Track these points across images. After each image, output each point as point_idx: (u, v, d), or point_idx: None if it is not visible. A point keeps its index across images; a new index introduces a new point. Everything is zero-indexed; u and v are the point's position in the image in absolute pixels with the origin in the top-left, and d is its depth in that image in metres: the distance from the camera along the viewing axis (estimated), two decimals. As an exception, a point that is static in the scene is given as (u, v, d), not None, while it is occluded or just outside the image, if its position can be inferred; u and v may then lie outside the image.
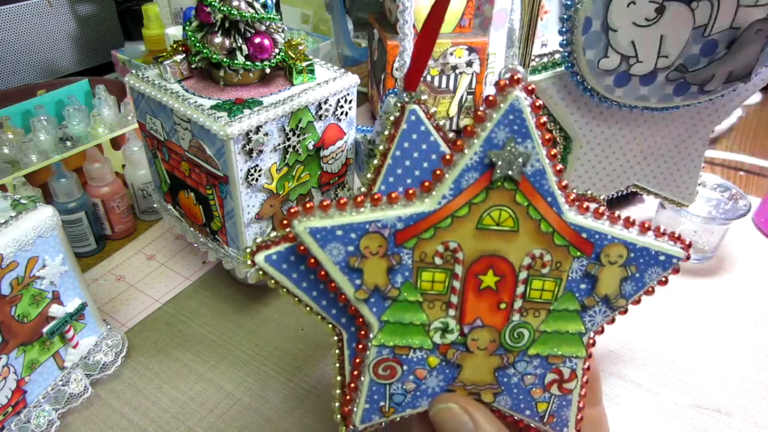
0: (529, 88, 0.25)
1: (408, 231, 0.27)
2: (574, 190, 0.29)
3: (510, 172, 0.26)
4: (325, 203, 0.26)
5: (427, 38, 0.28)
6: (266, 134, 0.44)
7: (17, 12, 0.92)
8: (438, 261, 0.27)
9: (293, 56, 0.47)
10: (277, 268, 0.27)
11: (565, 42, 0.36)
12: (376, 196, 0.26)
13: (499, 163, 0.25)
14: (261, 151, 0.44)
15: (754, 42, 0.37)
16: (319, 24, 1.06)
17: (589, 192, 0.38)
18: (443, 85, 0.76)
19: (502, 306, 0.29)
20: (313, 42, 0.99)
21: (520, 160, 0.26)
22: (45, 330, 0.42)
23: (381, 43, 0.76)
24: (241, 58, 0.45)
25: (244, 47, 0.45)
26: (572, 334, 0.30)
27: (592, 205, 0.28)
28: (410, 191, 0.27)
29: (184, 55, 0.47)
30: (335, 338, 0.31)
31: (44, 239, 0.40)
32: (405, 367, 0.30)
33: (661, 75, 0.38)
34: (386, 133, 0.32)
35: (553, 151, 0.26)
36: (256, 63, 0.45)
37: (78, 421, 0.45)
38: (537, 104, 0.25)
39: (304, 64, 0.47)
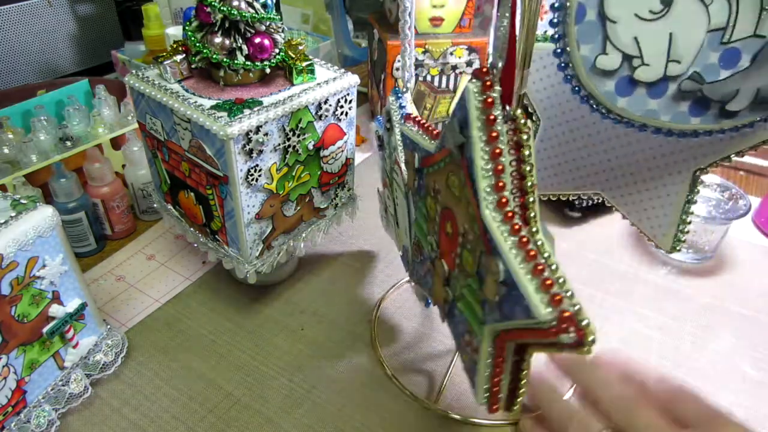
0: (488, 84, 0.26)
1: (426, 160, 0.34)
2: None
3: (448, 147, 0.29)
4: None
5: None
6: (266, 134, 0.44)
7: (17, 12, 0.92)
8: (432, 192, 0.33)
9: (293, 56, 0.47)
10: None
11: (557, 35, 0.32)
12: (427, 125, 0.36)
13: (445, 134, 0.29)
14: (261, 151, 0.44)
15: None
16: (319, 24, 1.06)
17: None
18: (443, 84, 0.76)
19: (453, 254, 0.34)
20: (313, 42, 0.99)
21: (455, 141, 0.28)
22: (45, 330, 0.42)
23: (381, 43, 0.76)
24: (241, 58, 0.44)
25: (244, 47, 0.45)
26: (476, 315, 0.32)
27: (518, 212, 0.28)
28: (435, 131, 0.34)
29: (184, 55, 0.47)
30: None
31: (44, 239, 0.40)
32: (421, 257, 0.40)
33: (673, 84, 0.32)
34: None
35: (498, 149, 0.27)
36: (256, 63, 0.45)
37: (78, 421, 0.45)
38: (489, 100, 0.27)
39: (304, 64, 0.47)
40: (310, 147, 0.48)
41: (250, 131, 0.42)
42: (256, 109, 0.43)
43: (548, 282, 0.25)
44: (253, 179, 0.45)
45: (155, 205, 0.58)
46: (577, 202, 0.65)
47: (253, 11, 0.44)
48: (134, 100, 0.49)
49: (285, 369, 0.49)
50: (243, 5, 0.43)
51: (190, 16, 0.46)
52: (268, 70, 0.46)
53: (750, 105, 0.32)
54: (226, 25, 0.44)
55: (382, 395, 0.47)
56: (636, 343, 0.52)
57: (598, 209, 0.67)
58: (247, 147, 0.43)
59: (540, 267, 0.25)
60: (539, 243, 0.26)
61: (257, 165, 0.44)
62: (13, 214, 0.39)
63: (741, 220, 0.58)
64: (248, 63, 0.45)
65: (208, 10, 0.43)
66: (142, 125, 0.50)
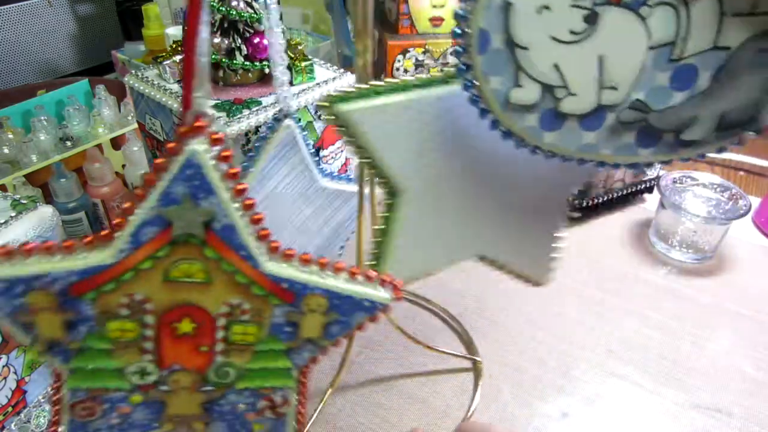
0: (215, 137, 0.23)
1: (85, 284, 0.25)
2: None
3: (191, 231, 0.24)
4: None
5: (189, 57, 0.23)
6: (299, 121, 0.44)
7: (17, 12, 0.93)
8: (124, 312, 0.26)
9: (293, 56, 0.47)
10: None
11: (463, 66, 0.25)
12: (47, 244, 0.24)
13: (177, 222, 0.24)
14: (260, 151, 0.44)
15: (752, 69, 0.24)
16: (319, 24, 1.06)
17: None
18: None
19: (203, 349, 0.28)
20: (313, 42, 0.99)
21: (200, 219, 0.24)
22: (45, 330, 0.42)
23: (381, 43, 0.76)
24: (240, 58, 0.45)
25: (243, 47, 0.45)
26: (279, 369, 0.30)
27: (298, 252, 0.27)
28: (89, 239, 0.24)
29: (183, 55, 0.47)
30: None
31: (44, 239, 0.40)
32: (106, 405, 0.29)
33: (612, 114, 0.25)
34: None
35: (248, 202, 0.24)
36: (255, 63, 0.45)
37: (78, 421, 0.45)
38: (224, 155, 0.23)
39: (304, 64, 0.47)
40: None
41: (249, 131, 0.42)
42: (255, 109, 0.43)
43: (377, 278, 0.28)
44: (252, 179, 0.45)
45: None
46: (577, 202, 0.65)
47: (252, 11, 0.44)
48: (134, 100, 0.49)
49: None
50: (242, 5, 0.43)
51: (189, 16, 0.46)
52: (267, 70, 0.46)
53: (714, 133, 0.26)
54: (225, 25, 0.44)
55: None
56: (636, 343, 0.52)
57: (598, 209, 0.67)
58: (246, 147, 0.43)
59: (363, 274, 0.27)
60: (333, 262, 0.27)
61: (257, 165, 0.44)
62: (13, 214, 0.39)
63: (741, 220, 0.58)
64: (247, 63, 0.45)
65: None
66: (142, 125, 0.50)
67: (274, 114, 0.37)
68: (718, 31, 0.24)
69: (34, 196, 0.57)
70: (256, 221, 0.25)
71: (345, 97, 0.27)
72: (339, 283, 0.27)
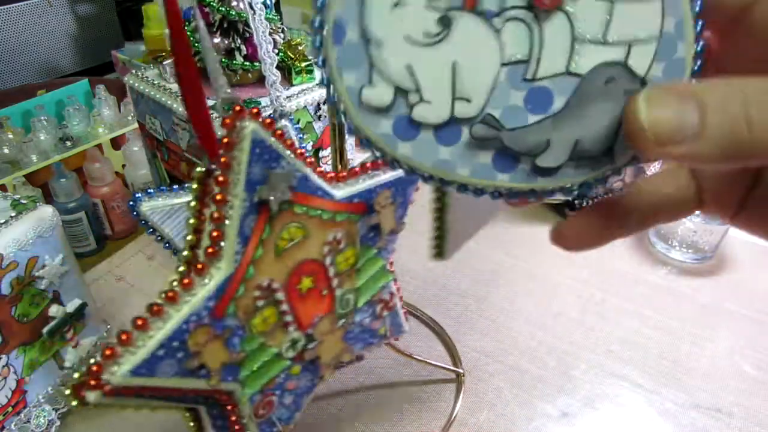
0: (254, 111, 0.24)
1: (222, 303, 0.26)
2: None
3: (284, 198, 0.26)
4: (123, 336, 0.23)
5: (191, 88, 0.24)
6: (291, 119, 0.44)
7: (17, 12, 0.93)
8: (261, 303, 0.28)
9: (292, 56, 0.47)
10: (121, 400, 0.26)
11: (320, 62, 0.23)
12: (170, 294, 0.25)
13: (271, 198, 0.25)
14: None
15: (603, 98, 0.23)
16: (319, 24, 1.06)
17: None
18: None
19: (325, 292, 0.31)
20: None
21: (286, 183, 0.26)
22: (45, 330, 0.42)
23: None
24: (239, 59, 0.45)
25: (243, 47, 0.45)
26: (378, 270, 0.33)
27: (347, 170, 0.30)
28: (198, 265, 0.25)
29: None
30: (191, 422, 0.31)
31: (44, 239, 0.40)
32: (278, 392, 0.31)
33: (465, 131, 0.24)
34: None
35: (300, 151, 0.27)
36: (255, 63, 0.45)
37: (78, 421, 0.45)
38: (267, 122, 0.25)
39: (303, 64, 0.47)
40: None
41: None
42: (255, 109, 0.43)
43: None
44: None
45: (155, 205, 0.58)
46: (577, 203, 0.65)
47: (252, 12, 0.44)
48: (134, 100, 0.49)
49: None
50: (241, 5, 0.43)
51: (189, 16, 0.46)
52: (267, 70, 0.46)
53: (570, 162, 0.24)
54: (225, 25, 0.44)
55: None
56: (636, 343, 0.52)
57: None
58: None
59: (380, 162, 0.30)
60: (368, 163, 0.30)
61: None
62: (13, 214, 0.39)
63: (741, 219, 0.58)
64: (247, 63, 0.45)
65: (207, 10, 0.44)
66: (142, 125, 0.50)
67: (269, 114, 0.37)
68: (570, 55, 0.23)
69: (34, 196, 0.57)
70: (311, 163, 0.27)
71: None
72: (385, 174, 0.31)
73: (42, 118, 0.65)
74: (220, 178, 0.24)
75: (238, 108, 0.23)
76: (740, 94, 0.20)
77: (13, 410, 0.42)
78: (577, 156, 0.24)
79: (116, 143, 0.67)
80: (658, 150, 0.21)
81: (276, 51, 0.46)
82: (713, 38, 0.24)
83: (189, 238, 0.26)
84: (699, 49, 0.23)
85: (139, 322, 0.24)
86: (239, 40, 0.44)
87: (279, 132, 0.25)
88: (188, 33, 0.45)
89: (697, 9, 0.22)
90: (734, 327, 0.54)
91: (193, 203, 0.25)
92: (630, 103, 0.22)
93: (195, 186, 0.25)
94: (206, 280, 0.25)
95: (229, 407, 0.29)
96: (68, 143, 0.65)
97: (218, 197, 0.24)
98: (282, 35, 0.47)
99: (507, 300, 0.56)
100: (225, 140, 0.24)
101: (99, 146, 0.64)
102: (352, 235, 0.31)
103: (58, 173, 0.56)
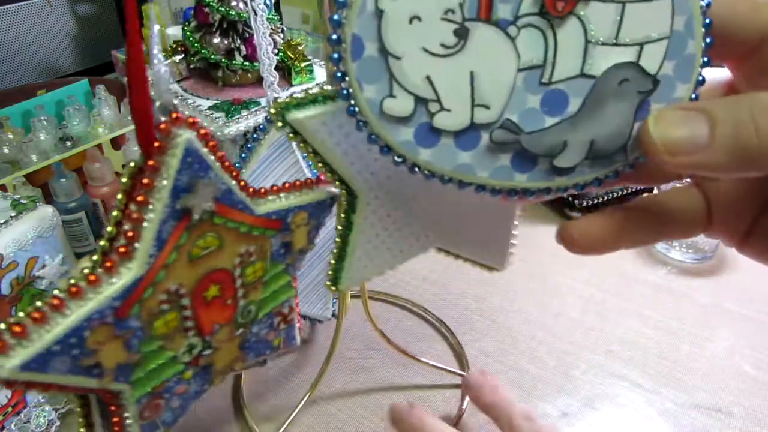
0: (191, 121, 0.24)
1: (127, 303, 0.25)
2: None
3: (207, 209, 0.26)
4: (16, 328, 0.22)
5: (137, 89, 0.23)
6: (265, 134, 0.44)
7: (17, 12, 0.93)
8: (166, 307, 0.27)
9: (292, 56, 0.47)
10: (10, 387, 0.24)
11: (340, 74, 0.24)
12: (73, 289, 0.24)
13: (196, 207, 0.25)
14: (260, 152, 0.44)
15: (617, 98, 0.24)
16: (319, 24, 1.06)
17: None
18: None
19: (229, 302, 0.31)
20: (313, 42, 0.99)
21: (210, 194, 0.26)
22: (44, 330, 0.42)
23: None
24: (239, 59, 0.45)
25: (243, 47, 0.45)
26: (283, 285, 0.34)
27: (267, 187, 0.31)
28: (108, 263, 0.24)
29: (182, 55, 0.47)
30: (79, 408, 0.29)
31: (44, 239, 0.41)
32: (166, 395, 0.30)
33: (485, 134, 0.25)
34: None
35: (227, 163, 0.27)
36: (254, 63, 0.45)
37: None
38: (203, 133, 0.25)
39: (303, 64, 0.47)
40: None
41: (248, 132, 0.42)
42: (254, 109, 0.43)
43: (323, 180, 0.32)
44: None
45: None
46: (577, 202, 0.65)
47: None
48: (133, 101, 0.49)
49: (285, 369, 0.49)
50: (241, 6, 0.43)
51: (189, 16, 0.46)
52: (267, 70, 0.46)
53: (586, 161, 0.25)
54: (225, 25, 0.44)
55: None
56: (636, 343, 0.52)
57: (598, 209, 0.67)
58: (245, 148, 0.43)
59: (314, 181, 0.32)
60: (293, 182, 0.31)
61: (256, 165, 0.44)
62: (13, 214, 0.39)
63: (741, 219, 0.58)
64: (246, 63, 0.45)
65: (207, 10, 0.44)
66: (142, 125, 0.50)
67: (266, 115, 0.37)
68: (583, 58, 0.24)
69: (34, 196, 0.57)
70: (236, 177, 0.27)
71: (297, 103, 0.27)
72: (308, 196, 0.31)
73: (42, 118, 0.65)
74: (145, 180, 0.24)
75: (175, 115, 0.23)
76: (748, 104, 0.20)
77: (13, 410, 0.42)
78: (593, 155, 0.25)
79: (116, 143, 0.67)
80: (670, 160, 0.21)
81: (276, 51, 0.46)
82: (729, 69, 0.25)
83: (109, 229, 0.25)
84: (707, 43, 0.23)
85: (36, 315, 0.23)
86: (239, 40, 0.44)
87: (212, 143, 0.25)
88: (187, 33, 0.45)
89: (705, 4, 0.23)
90: (734, 327, 0.54)
91: (120, 196, 0.25)
92: (646, 121, 0.23)
93: (125, 180, 0.25)
94: (114, 279, 0.24)
95: (112, 408, 0.28)
96: (68, 143, 0.65)
97: (140, 198, 0.24)
98: (282, 35, 0.47)
99: (507, 300, 0.56)
100: (157, 144, 0.24)
101: (99, 146, 0.64)
102: (265, 249, 0.31)
103: (58, 173, 0.56)
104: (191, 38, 0.45)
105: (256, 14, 0.34)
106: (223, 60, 0.44)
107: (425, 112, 0.24)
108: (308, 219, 0.32)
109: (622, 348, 0.52)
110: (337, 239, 0.32)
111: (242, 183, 0.28)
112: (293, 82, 0.47)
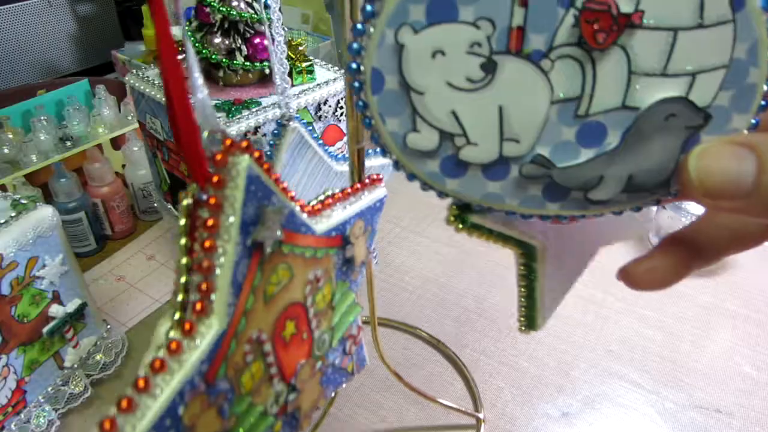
0: (245, 145, 0.22)
1: (215, 364, 0.22)
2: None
3: (278, 236, 0.24)
4: (106, 425, 0.19)
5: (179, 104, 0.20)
6: (265, 135, 0.44)
7: (17, 12, 0.93)
8: (250, 358, 0.25)
9: (293, 56, 0.47)
10: None
11: (360, 104, 0.23)
12: (156, 364, 0.21)
13: (267, 239, 0.23)
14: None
15: (662, 133, 0.22)
16: (319, 24, 1.06)
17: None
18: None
19: (305, 336, 0.29)
20: (313, 42, 0.99)
21: (278, 221, 0.23)
22: (45, 330, 0.42)
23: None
24: (240, 59, 0.45)
25: (244, 48, 0.45)
26: (350, 305, 0.32)
27: (319, 201, 0.29)
28: (186, 325, 0.21)
29: (183, 55, 0.47)
30: None
31: (44, 239, 0.40)
32: None
33: (515, 166, 0.24)
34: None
35: (283, 185, 0.24)
36: (256, 63, 0.45)
37: (78, 421, 0.45)
38: (257, 156, 0.22)
39: (304, 64, 0.47)
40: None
41: (249, 132, 0.42)
42: (254, 109, 0.43)
43: (370, 180, 0.31)
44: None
45: (155, 205, 0.58)
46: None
47: (253, 11, 0.44)
48: (135, 100, 0.49)
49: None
50: (242, 5, 0.43)
51: (190, 16, 0.46)
52: (267, 71, 0.46)
53: (623, 194, 0.24)
54: (226, 25, 0.44)
55: (382, 395, 0.47)
56: (636, 343, 0.52)
57: (598, 209, 0.67)
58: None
59: (362, 186, 0.31)
60: (340, 193, 0.30)
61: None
62: (13, 214, 0.39)
63: (741, 220, 0.58)
64: (247, 63, 0.45)
65: (208, 10, 0.44)
66: (142, 125, 0.50)
67: (278, 120, 0.37)
68: (626, 89, 0.22)
69: (34, 196, 0.57)
70: (293, 197, 0.25)
71: (469, 207, 0.26)
72: (359, 203, 0.30)
73: (42, 118, 0.65)
74: (210, 222, 0.21)
75: (229, 141, 0.21)
76: None
77: (13, 410, 0.42)
78: (631, 189, 0.24)
79: (116, 143, 0.67)
80: (708, 203, 0.20)
81: (276, 51, 0.46)
82: None
83: (183, 280, 0.22)
84: None
85: (124, 405, 0.20)
86: (240, 41, 0.44)
87: (267, 165, 0.23)
88: (188, 33, 0.45)
89: None
90: (734, 327, 0.54)
91: (183, 240, 0.22)
92: (686, 157, 0.21)
93: (183, 221, 0.22)
94: (197, 341, 0.21)
95: None
96: (68, 143, 0.65)
97: (207, 244, 0.21)
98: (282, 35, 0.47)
99: (507, 300, 0.56)
100: (215, 179, 0.21)
101: (99, 146, 0.64)
102: (329, 270, 0.29)
103: (58, 173, 0.56)
104: (192, 38, 0.45)
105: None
106: (224, 60, 0.44)
107: (451, 145, 0.23)
108: (365, 227, 0.30)
109: (622, 348, 0.52)
110: (523, 288, 0.30)
111: (300, 202, 0.26)
112: (294, 83, 0.47)
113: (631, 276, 0.25)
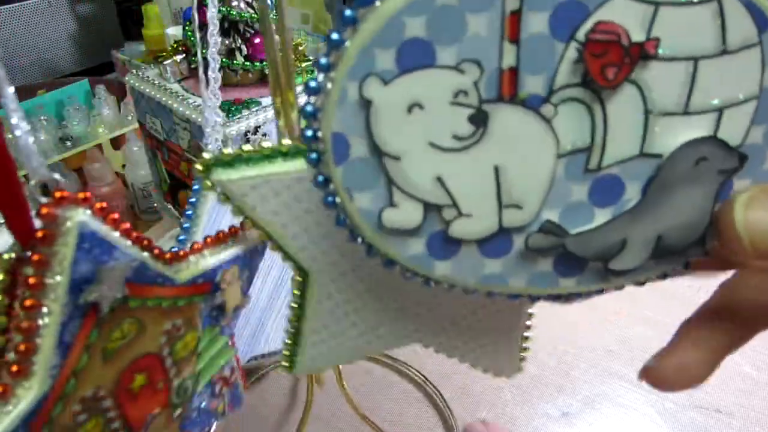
0: (82, 197, 0.19)
1: (35, 426, 0.20)
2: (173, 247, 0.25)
3: (118, 295, 0.21)
4: None
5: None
6: (265, 135, 0.44)
7: (17, 12, 0.93)
8: (83, 417, 0.23)
9: (293, 57, 0.47)
10: None
11: (320, 179, 0.19)
12: None
13: (104, 299, 0.20)
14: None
15: (691, 182, 0.18)
16: (318, 24, 1.06)
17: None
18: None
19: (160, 386, 0.26)
20: (313, 42, 0.99)
21: (119, 279, 0.20)
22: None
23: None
24: (240, 59, 0.45)
25: (243, 47, 0.45)
26: (221, 349, 0.30)
27: (187, 247, 0.26)
28: (1, 388, 0.19)
29: (184, 55, 0.47)
30: None
31: (44, 239, 0.40)
32: None
33: (519, 238, 0.19)
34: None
35: (135, 234, 0.22)
36: (255, 63, 0.45)
37: (78, 421, 0.45)
38: (100, 206, 0.20)
39: (304, 64, 0.47)
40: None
41: (249, 131, 0.42)
42: (254, 109, 0.43)
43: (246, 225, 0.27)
44: (252, 179, 0.45)
45: (155, 205, 0.58)
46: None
47: (253, 11, 0.44)
48: (134, 100, 0.49)
49: (285, 369, 0.49)
50: (242, 5, 0.43)
51: (190, 16, 0.46)
52: (267, 71, 0.46)
53: (651, 260, 0.20)
54: (226, 25, 0.44)
55: None
56: (636, 343, 0.52)
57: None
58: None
59: (236, 229, 0.27)
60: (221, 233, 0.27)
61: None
62: (13, 215, 0.39)
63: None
64: (247, 63, 0.45)
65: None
66: (143, 125, 0.50)
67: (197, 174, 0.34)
68: (644, 134, 0.18)
69: (34, 196, 0.57)
70: (148, 246, 0.23)
71: (226, 161, 0.22)
72: (237, 247, 0.26)
73: (42, 118, 0.65)
74: (32, 280, 0.18)
75: (59, 194, 0.18)
76: None
77: (13, 410, 0.42)
78: (661, 253, 0.20)
79: (116, 143, 0.67)
80: (756, 263, 0.17)
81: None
82: None
83: None
84: None
85: None
86: (240, 40, 0.44)
87: (112, 216, 0.20)
88: (189, 33, 0.45)
89: None
90: (734, 327, 0.54)
91: None
92: (726, 205, 0.18)
93: (1, 277, 0.19)
94: (9, 407, 0.19)
95: None
96: (68, 143, 0.65)
97: (28, 303, 0.19)
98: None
99: (507, 300, 0.56)
100: (41, 234, 0.18)
101: (99, 146, 0.64)
102: (193, 318, 0.27)
103: (58, 173, 0.56)
104: (192, 38, 0.45)
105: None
106: (224, 60, 0.44)
107: (439, 220, 0.19)
108: (239, 273, 0.27)
109: (622, 348, 0.52)
110: (291, 317, 0.26)
111: (156, 251, 0.23)
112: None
113: (658, 377, 0.21)
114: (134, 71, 0.48)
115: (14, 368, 0.19)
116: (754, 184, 0.19)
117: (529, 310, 0.28)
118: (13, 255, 0.19)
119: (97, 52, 1.05)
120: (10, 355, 0.19)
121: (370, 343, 0.27)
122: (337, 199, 0.18)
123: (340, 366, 0.40)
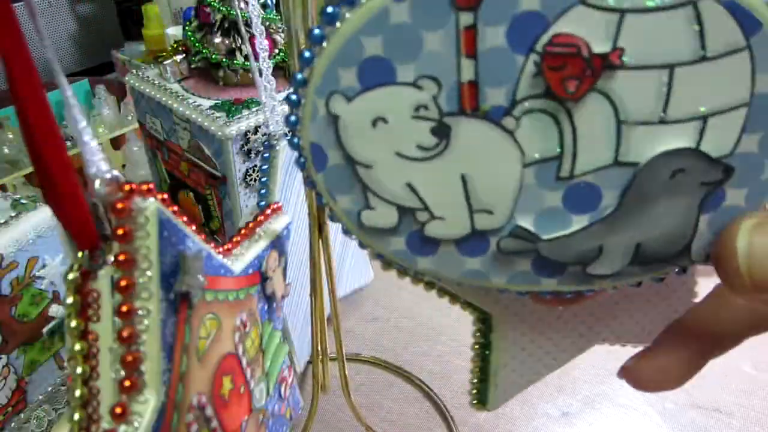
0: (147, 188, 0.19)
1: None
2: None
3: (202, 283, 0.21)
4: None
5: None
6: (265, 135, 0.44)
7: (17, 12, 0.93)
8: (195, 428, 0.22)
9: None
10: None
11: (310, 182, 0.20)
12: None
13: (193, 288, 0.20)
14: (260, 152, 0.44)
15: (670, 193, 0.18)
16: (319, 23, 1.06)
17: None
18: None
19: (242, 390, 0.26)
20: (313, 42, 0.99)
21: (199, 267, 0.21)
22: (45, 330, 0.42)
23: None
24: (240, 59, 0.45)
25: (244, 47, 0.45)
26: (278, 346, 0.30)
27: (235, 239, 0.26)
28: (117, 409, 0.18)
29: (183, 55, 0.47)
30: None
31: (44, 239, 0.40)
32: None
33: (494, 239, 0.20)
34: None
35: (193, 225, 0.21)
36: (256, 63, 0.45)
37: (78, 421, 0.45)
38: (162, 198, 0.19)
39: None
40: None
41: (249, 131, 0.42)
42: (254, 109, 0.43)
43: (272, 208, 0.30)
44: (251, 179, 0.45)
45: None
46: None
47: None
48: (134, 100, 0.49)
49: (285, 369, 0.49)
50: (242, 5, 0.43)
51: (190, 16, 0.46)
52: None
53: (631, 266, 0.20)
54: (226, 25, 0.44)
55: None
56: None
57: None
58: (246, 147, 0.43)
59: (265, 216, 0.29)
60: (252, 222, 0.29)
61: (256, 165, 0.44)
62: (13, 214, 0.39)
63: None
64: (247, 63, 0.45)
65: (208, 10, 0.44)
66: (143, 125, 0.50)
67: (265, 143, 0.35)
68: (617, 143, 0.17)
69: (34, 196, 0.57)
70: (205, 238, 0.23)
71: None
72: (270, 232, 0.28)
73: (42, 118, 0.65)
74: (123, 283, 0.18)
75: (128, 186, 0.18)
76: None
77: (13, 410, 0.42)
78: (641, 260, 0.19)
79: (116, 143, 0.67)
80: (755, 296, 0.16)
81: (277, 51, 0.46)
82: None
83: (79, 370, 0.18)
84: None
85: None
86: (240, 40, 0.44)
87: (173, 207, 0.20)
88: (188, 33, 0.45)
89: None
90: (734, 327, 0.54)
91: (73, 323, 0.18)
92: (727, 231, 0.18)
93: (71, 299, 0.18)
94: (135, 424, 0.18)
95: None
96: (68, 143, 0.65)
97: (124, 308, 0.18)
98: (282, 35, 0.47)
99: (507, 300, 0.56)
100: (120, 231, 0.18)
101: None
102: (254, 312, 0.26)
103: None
104: (192, 38, 0.45)
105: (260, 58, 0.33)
106: (224, 60, 0.44)
107: (413, 221, 0.19)
108: (278, 257, 0.29)
109: (622, 348, 0.51)
110: (476, 358, 0.26)
111: (212, 243, 0.23)
112: (294, 82, 0.47)
113: (637, 377, 0.21)
114: (134, 71, 0.48)
115: (126, 383, 0.18)
116: (750, 195, 0.18)
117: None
118: (77, 273, 0.18)
119: (97, 52, 1.05)
120: (115, 374, 0.18)
121: (556, 359, 0.28)
122: (324, 200, 0.20)
123: (347, 372, 0.40)
